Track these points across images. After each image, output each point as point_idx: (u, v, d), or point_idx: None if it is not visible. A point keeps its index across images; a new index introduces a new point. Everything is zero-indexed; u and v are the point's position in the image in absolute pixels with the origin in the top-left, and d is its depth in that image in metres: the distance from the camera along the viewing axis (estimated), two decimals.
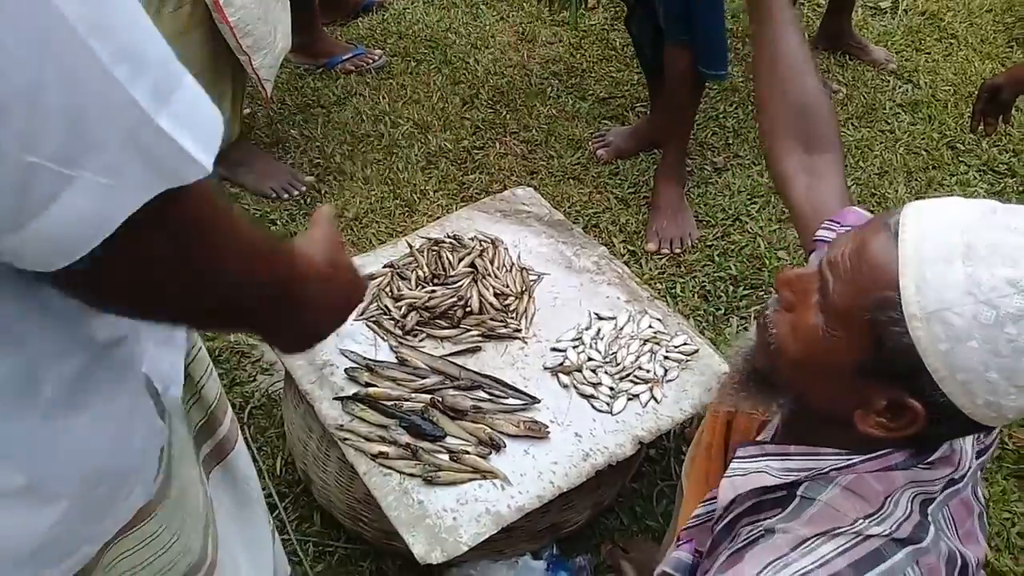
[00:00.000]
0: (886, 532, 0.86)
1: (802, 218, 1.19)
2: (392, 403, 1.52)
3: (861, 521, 0.87)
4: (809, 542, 0.86)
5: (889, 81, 2.97)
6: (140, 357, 0.79)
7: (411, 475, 1.43)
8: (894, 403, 0.83)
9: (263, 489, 1.77)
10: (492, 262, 1.75)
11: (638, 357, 1.61)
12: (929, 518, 0.88)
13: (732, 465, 0.99)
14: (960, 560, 0.88)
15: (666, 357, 1.62)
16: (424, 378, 1.56)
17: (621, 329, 1.66)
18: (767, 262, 2.33)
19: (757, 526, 0.93)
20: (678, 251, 2.36)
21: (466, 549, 1.35)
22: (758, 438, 1.07)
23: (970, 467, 0.94)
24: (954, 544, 0.89)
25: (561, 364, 1.60)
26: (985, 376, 0.77)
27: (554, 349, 1.64)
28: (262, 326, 0.79)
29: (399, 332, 1.63)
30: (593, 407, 1.55)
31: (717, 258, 2.35)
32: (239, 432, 1.10)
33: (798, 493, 0.91)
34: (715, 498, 1.04)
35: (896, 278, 0.80)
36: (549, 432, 1.50)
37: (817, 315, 0.88)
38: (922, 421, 0.82)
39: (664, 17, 2.22)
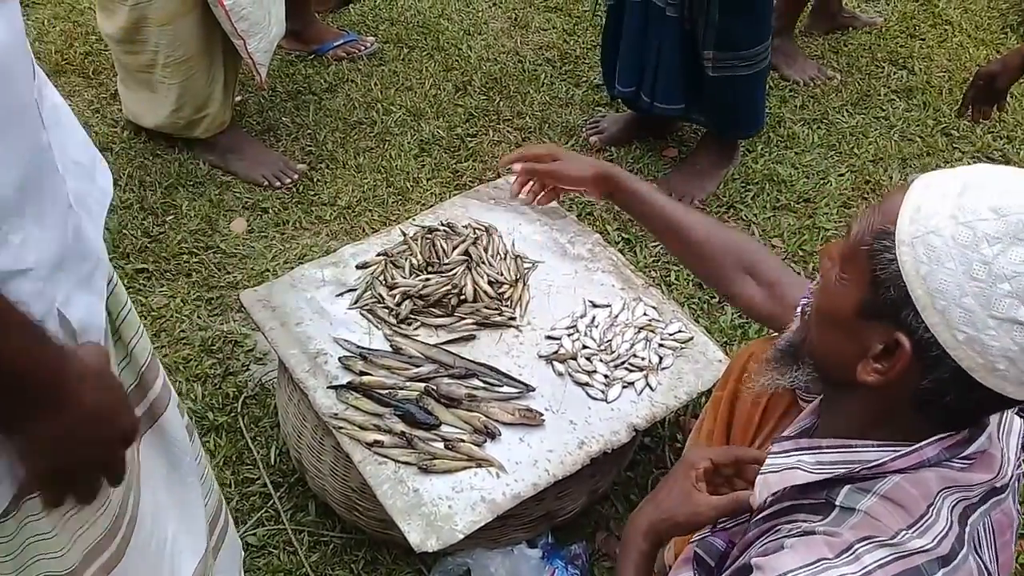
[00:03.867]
0: (928, 546, 0.84)
1: (775, 319, 1.37)
2: (387, 391, 1.51)
3: (904, 532, 0.85)
4: (854, 547, 0.85)
5: (884, 67, 2.97)
6: (52, 295, 0.78)
7: (406, 463, 1.43)
8: (889, 346, 0.83)
9: (257, 479, 1.79)
10: (486, 250, 1.74)
11: (633, 345, 1.61)
12: (968, 530, 0.87)
13: (767, 461, 0.99)
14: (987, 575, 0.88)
15: (661, 345, 1.62)
16: (418, 366, 1.55)
17: (616, 317, 1.66)
18: None
19: (797, 526, 0.92)
20: None
21: (461, 537, 1.35)
22: (786, 432, 1.06)
23: (1013, 475, 0.93)
24: (984, 560, 0.88)
25: (556, 352, 1.60)
26: (960, 302, 0.77)
27: (549, 337, 1.63)
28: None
29: (393, 320, 1.63)
30: (588, 395, 1.55)
31: None
32: (172, 396, 1.10)
33: (837, 503, 0.89)
34: (745, 512, 1.04)
35: (898, 212, 0.82)
36: (544, 420, 1.49)
37: (835, 267, 0.90)
38: (907, 358, 0.81)
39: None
